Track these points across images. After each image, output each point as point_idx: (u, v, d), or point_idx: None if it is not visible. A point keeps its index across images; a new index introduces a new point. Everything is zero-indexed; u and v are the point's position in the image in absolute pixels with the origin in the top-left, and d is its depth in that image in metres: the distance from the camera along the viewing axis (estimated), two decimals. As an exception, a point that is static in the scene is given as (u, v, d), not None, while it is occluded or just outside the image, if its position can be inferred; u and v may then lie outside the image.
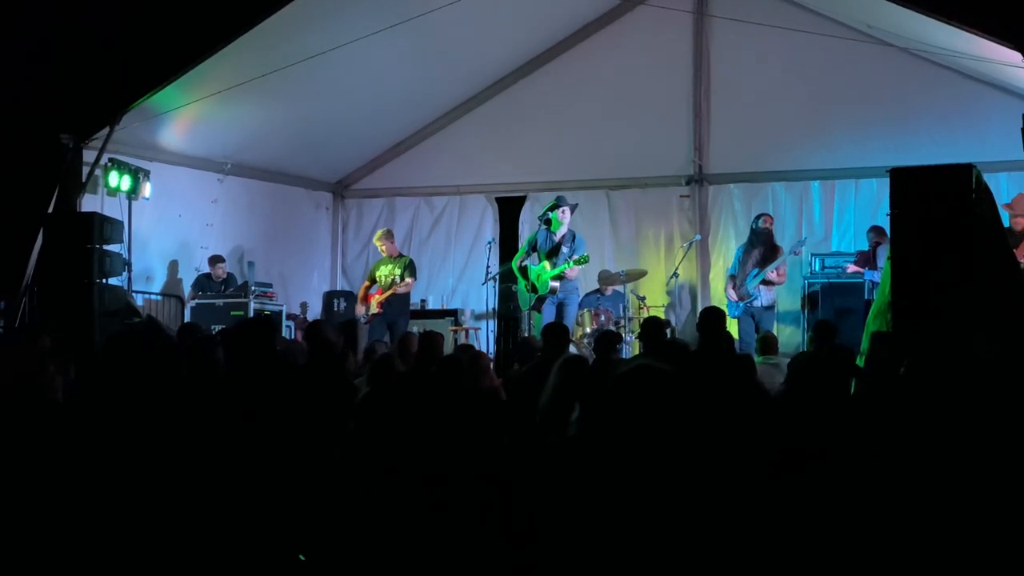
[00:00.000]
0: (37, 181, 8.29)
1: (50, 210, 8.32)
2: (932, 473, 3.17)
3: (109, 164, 9.26)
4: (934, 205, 5.75)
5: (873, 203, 10.33)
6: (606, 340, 6.85)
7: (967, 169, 5.80)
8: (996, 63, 8.57)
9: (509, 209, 12.08)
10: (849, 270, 9.80)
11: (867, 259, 9.58)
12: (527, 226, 11.72)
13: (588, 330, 9.81)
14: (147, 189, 9.86)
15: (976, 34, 7.60)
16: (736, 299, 9.84)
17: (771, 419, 3.41)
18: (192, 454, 3.64)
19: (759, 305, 9.71)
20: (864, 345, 6.42)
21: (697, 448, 2.72)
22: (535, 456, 3.26)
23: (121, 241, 8.69)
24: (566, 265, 9.34)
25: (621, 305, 10.42)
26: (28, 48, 8.09)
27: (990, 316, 5.59)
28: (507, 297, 10.70)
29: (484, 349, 10.18)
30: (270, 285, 11.05)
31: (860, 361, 5.73)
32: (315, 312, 11.80)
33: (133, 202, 9.68)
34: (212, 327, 8.90)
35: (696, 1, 11.09)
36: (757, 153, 11.03)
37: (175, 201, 10.48)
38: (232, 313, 9.95)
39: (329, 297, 11.93)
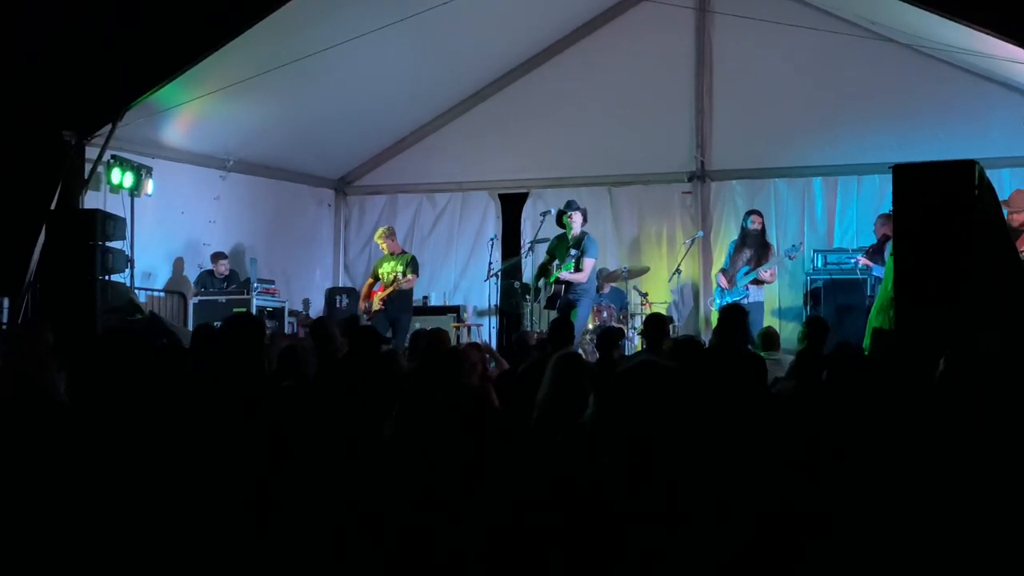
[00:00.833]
0: (39, 178, 8.28)
1: (52, 207, 8.32)
2: (959, 473, 3.16)
3: (111, 161, 9.26)
4: (937, 201, 5.73)
5: (876, 199, 10.32)
6: (608, 337, 6.85)
7: (970, 165, 5.79)
8: (999, 59, 8.55)
9: (511, 205, 12.09)
10: (860, 262, 9.63)
11: (877, 251, 9.45)
12: (529, 222, 11.73)
13: (590, 327, 9.81)
14: (149, 186, 9.87)
15: (979, 30, 7.59)
16: (726, 286, 9.86)
17: (786, 416, 3.39)
18: (193, 450, 3.64)
19: (746, 303, 9.70)
20: (867, 341, 6.42)
21: (703, 444, 2.72)
22: (537, 451, 3.26)
23: (124, 238, 8.70)
24: (567, 267, 9.37)
25: (620, 302, 10.43)
26: (30, 44, 8.09)
27: (993, 313, 5.58)
28: (509, 293, 10.71)
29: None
30: (272, 282, 11.06)
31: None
32: (317, 309, 11.80)
33: (136, 199, 9.69)
34: (215, 324, 8.90)
35: (698, -3, 11.11)
36: (759, 149, 11.02)
37: (177, 198, 10.50)
38: (234, 310, 9.95)
39: (331, 294, 11.93)
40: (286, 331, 10.31)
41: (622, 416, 2.67)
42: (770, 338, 8.03)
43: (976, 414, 3.75)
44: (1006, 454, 3.32)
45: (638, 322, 9.96)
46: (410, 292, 10.52)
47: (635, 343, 9.68)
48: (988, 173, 6.11)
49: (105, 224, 8.17)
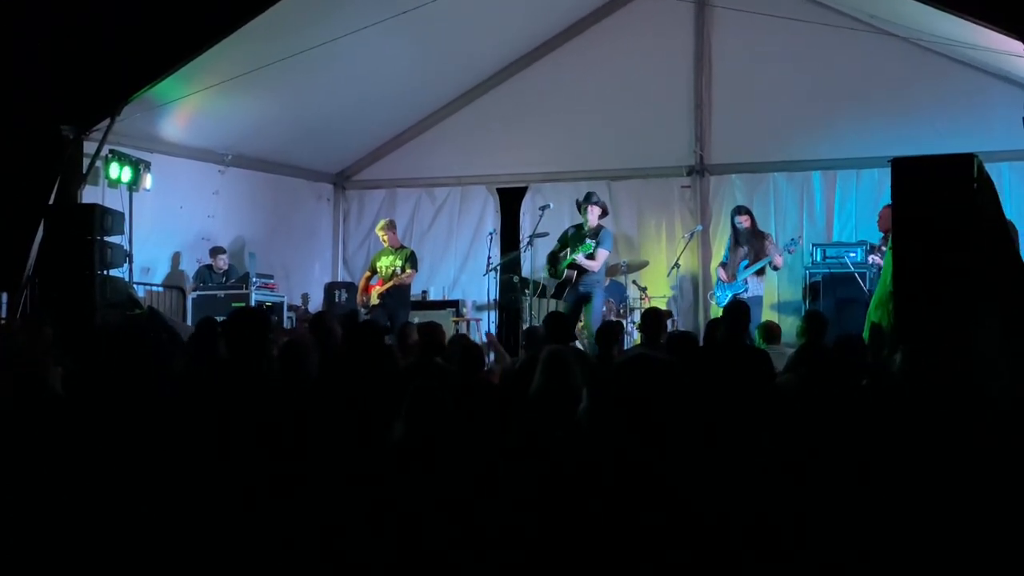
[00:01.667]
0: (38, 173, 8.27)
1: (51, 202, 8.31)
2: (928, 465, 3.16)
3: (110, 155, 9.26)
4: (936, 195, 5.73)
5: (875, 193, 10.31)
6: (608, 333, 6.84)
7: (969, 159, 5.79)
8: (998, 52, 8.54)
9: (510, 200, 12.08)
10: (873, 261, 9.53)
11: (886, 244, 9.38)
12: (528, 216, 11.72)
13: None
14: (148, 181, 9.86)
15: (978, 23, 7.57)
16: (726, 280, 9.85)
17: (787, 412, 3.39)
18: (193, 447, 3.64)
19: (746, 296, 9.69)
20: (865, 335, 6.42)
21: (701, 438, 2.72)
22: (533, 445, 3.26)
23: (122, 233, 8.69)
24: (585, 248, 9.39)
25: (620, 296, 10.42)
26: (29, 40, 8.07)
27: (991, 307, 5.58)
28: (508, 288, 10.70)
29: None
30: (271, 276, 11.05)
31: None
32: (316, 303, 11.80)
33: (134, 194, 9.68)
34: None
35: (697, -9, 11.09)
36: (758, 143, 11.01)
37: (176, 193, 10.49)
38: (233, 304, 9.94)
39: (330, 288, 11.92)
40: (284, 326, 10.31)
41: (617, 409, 2.67)
42: (771, 331, 8.05)
43: (940, 405, 3.74)
44: (1002, 451, 3.32)
45: (637, 316, 9.95)
46: (408, 287, 10.52)
47: (634, 337, 9.67)
48: (987, 167, 6.11)
49: (104, 219, 8.17)
